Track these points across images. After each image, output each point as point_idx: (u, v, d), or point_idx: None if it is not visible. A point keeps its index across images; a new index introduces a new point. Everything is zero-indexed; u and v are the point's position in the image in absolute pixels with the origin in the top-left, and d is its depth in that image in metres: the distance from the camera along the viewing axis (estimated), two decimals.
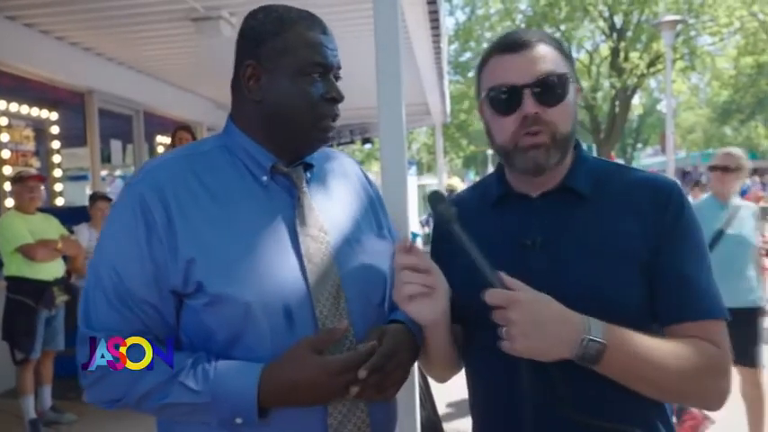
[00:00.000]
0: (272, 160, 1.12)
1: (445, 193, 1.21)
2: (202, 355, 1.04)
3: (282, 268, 1.06)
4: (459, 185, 9.55)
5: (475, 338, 1.16)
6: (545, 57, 1.07)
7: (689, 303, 1.04)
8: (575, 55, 19.76)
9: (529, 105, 1.05)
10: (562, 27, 18.49)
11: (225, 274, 1.02)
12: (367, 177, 1.32)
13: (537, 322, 0.93)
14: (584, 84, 19.10)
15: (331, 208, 1.17)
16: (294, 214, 1.11)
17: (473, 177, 47.22)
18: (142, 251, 1.04)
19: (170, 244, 1.03)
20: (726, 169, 3.37)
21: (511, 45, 1.08)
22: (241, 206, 1.08)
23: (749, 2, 16.55)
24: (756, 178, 20.80)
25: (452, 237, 1.01)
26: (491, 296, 0.95)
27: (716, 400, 1.04)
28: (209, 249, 1.03)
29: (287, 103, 1.10)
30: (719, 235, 3.29)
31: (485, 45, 20.05)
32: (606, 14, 18.28)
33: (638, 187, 1.10)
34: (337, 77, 1.15)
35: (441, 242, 1.20)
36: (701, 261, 1.07)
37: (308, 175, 1.17)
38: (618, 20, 18.37)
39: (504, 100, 1.07)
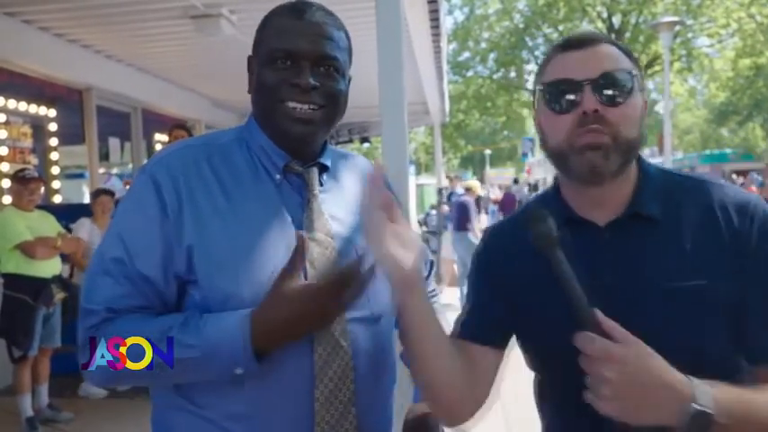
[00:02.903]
0: (285, 159, 1.11)
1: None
2: (195, 312, 1.03)
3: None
4: (479, 189, 9.43)
5: (549, 379, 1.05)
6: (611, 55, 0.97)
7: None
8: None
9: (589, 102, 0.94)
10: (560, 27, 18.49)
11: (222, 266, 1.02)
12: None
13: (635, 385, 0.81)
14: None
15: (341, 213, 1.15)
16: (302, 216, 1.09)
17: (470, 177, 47.23)
18: (154, 231, 1.04)
19: (177, 229, 1.04)
20: None
21: (575, 42, 0.99)
22: (251, 202, 1.08)
23: (747, 3, 16.58)
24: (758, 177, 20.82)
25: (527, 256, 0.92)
26: (585, 342, 0.83)
27: None
28: (210, 240, 1.03)
29: (257, 91, 1.11)
30: None
31: (483, 45, 20.07)
32: (605, 15, 18.29)
33: (716, 208, 0.97)
34: (322, 66, 1.08)
35: (502, 256, 1.08)
36: None
37: (323, 176, 1.16)
38: (616, 21, 18.38)
39: (561, 95, 0.96)
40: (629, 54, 1.01)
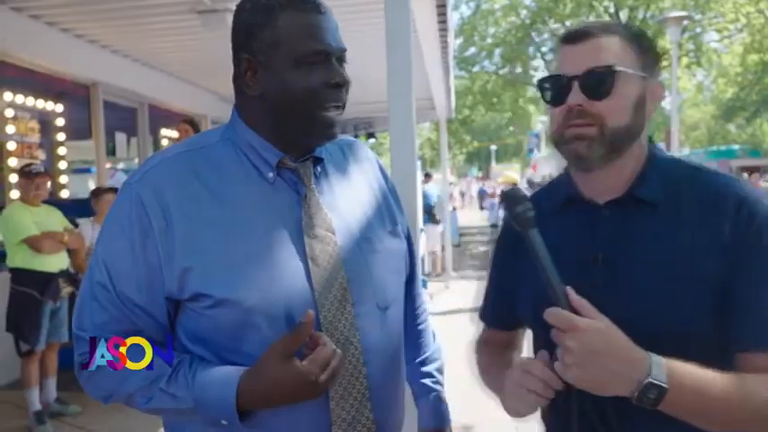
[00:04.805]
0: (278, 156, 1.07)
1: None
2: (185, 359, 1.02)
3: (286, 272, 1.03)
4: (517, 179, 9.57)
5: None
6: (602, 48, 1.02)
7: (761, 331, 0.95)
8: None
9: (573, 97, 1.01)
10: (567, 23, 18.40)
11: (225, 278, 1.00)
12: (383, 170, 1.28)
13: (594, 355, 0.87)
14: None
15: (340, 205, 1.12)
16: (300, 213, 1.06)
17: (476, 173, 47.13)
18: (136, 254, 1.02)
19: (166, 249, 1.01)
20: None
21: (572, 36, 1.05)
22: (245, 205, 1.04)
23: None
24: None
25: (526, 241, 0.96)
26: (552, 316, 0.90)
27: None
28: (208, 255, 1.00)
29: (288, 96, 1.04)
30: None
31: (489, 40, 19.99)
32: (612, 10, 18.19)
33: (718, 197, 1.00)
34: (342, 60, 1.07)
35: (513, 246, 1.14)
36: None
37: (318, 169, 1.12)
38: (623, 15, 18.26)
39: (552, 91, 1.05)
40: (633, 40, 1.04)
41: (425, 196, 10.18)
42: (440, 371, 1.34)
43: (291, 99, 1.04)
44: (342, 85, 1.05)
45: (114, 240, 1.04)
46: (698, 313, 0.96)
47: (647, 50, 1.05)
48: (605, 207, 1.05)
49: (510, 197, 1.01)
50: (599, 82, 1.01)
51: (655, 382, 0.86)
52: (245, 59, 1.05)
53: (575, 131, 1.02)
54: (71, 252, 4.45)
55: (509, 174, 9.85)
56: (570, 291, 0.92)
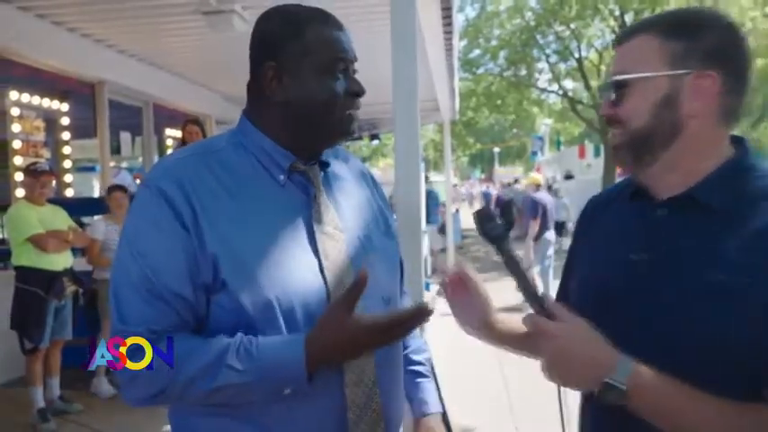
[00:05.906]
0: (290, 159, 1.13)
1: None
2: (239, 335, 1.03)
3: (300, 267, 1.07)
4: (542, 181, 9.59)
5: None
6: (625, 53, 1.03)
7: None
8: (583, 54, 19.62)
9: (603, 107, 1.06)
10: (572, 25, 18.39)
11: (245, 272, 1.03)
12: (371, 176, 1.36)
13: (563, 356, 0.93)
14: (593, 83, 19.01)
15: (344, 206, 1.19)
16: (310, 212, 1.12)
17: (479, 175, 47.10)
18: (174, 244, 1.03)
19: (198, 237, 1.03)
20: None
21: (615, 41, 1.08)
22: (259, 205, 1.09)
23: (762, 2, 16.40)
24: None
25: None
26: (527, 322, 0.97)
27: None
28: (230, 247, 1.03)
29: (314, 101, 1.11)
30: None
31: (494, 42, 19.98)
32: (617, 13, 18.14)
33: None
34: (354, 71, 1.17)
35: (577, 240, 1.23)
36: None
37: (322, 173, 1.19)
38: (628, 19, 18.23)
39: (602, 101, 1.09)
40: (669, 34, 0.98)
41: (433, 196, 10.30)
42: (428, 360, 1.39)
43: (316, 104, 1.12)
44: (360, 94, 1.15)
45: (151, 235, 1.04)
46: (736, 330, 0.89)
47: (687, 42, 0.97)
48: (663, 204, 1.02)
49: (480, 216, 1.08)
50: (615, 90, 1.02)
51: (612, 382, 0.89)
52: (270, 67, 1.11)
53: (611, 141, 1.06)
54: (85, 249, 4.47)
55: (534, 175, 9.91)
56: (549, 297, 0.99)
